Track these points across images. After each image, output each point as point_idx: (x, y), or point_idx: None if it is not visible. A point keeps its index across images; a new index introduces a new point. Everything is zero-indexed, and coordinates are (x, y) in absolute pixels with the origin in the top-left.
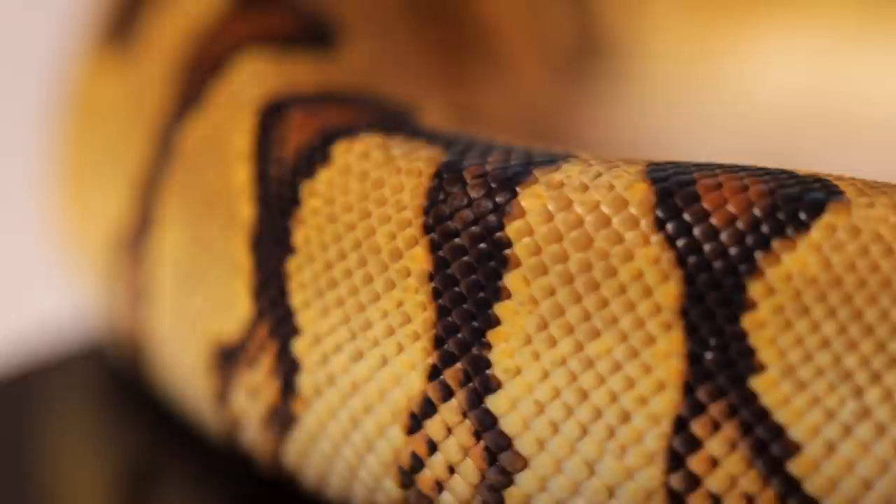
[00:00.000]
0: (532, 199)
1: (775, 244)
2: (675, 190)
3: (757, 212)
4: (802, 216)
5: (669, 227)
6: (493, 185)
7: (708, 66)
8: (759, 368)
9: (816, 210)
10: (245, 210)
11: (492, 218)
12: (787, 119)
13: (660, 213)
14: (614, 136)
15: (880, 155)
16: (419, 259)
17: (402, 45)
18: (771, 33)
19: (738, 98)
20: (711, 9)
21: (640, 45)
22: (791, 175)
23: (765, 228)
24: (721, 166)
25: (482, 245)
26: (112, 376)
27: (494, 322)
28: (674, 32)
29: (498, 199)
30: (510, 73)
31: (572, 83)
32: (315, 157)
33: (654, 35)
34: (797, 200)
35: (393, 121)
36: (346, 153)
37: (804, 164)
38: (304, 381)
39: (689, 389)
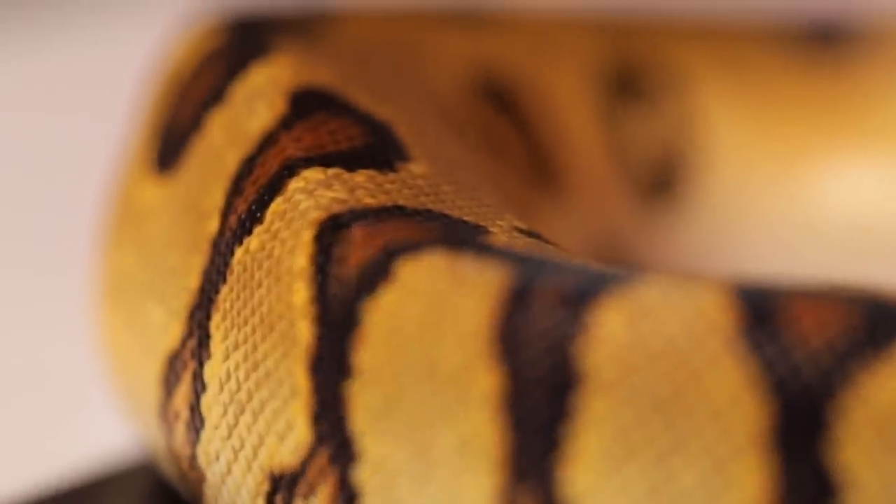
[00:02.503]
0: (607, 318)
1: (875, 366)
2: (764, 310)
3: (854, 333)
4: None
5: (758, 349)
6: (566, 304)
7: (780, 187)
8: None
9: None
10: (303, 330)
11: (564, 338)
12: (857, 242)
13: (748, 336)
14: (686, 257)
15: None
16: (487, 380)
17: (466, 167)
18: (841, 156)
19: (810, 219)
20: (785, 127)
21: (715, 164)
22: (881, 295)
23: (862, 351)
24: (808, 286)
25: (553, 365)
26: (167, 491)
27: (566, 443)
28: (744, 153)
29: (571, 319)
30: (581, 198)
31: (648, 205)
32: (377, 274)
33: (727, 155)
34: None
35: (458, 237)
36: (411, 271)
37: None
38: None
39: None
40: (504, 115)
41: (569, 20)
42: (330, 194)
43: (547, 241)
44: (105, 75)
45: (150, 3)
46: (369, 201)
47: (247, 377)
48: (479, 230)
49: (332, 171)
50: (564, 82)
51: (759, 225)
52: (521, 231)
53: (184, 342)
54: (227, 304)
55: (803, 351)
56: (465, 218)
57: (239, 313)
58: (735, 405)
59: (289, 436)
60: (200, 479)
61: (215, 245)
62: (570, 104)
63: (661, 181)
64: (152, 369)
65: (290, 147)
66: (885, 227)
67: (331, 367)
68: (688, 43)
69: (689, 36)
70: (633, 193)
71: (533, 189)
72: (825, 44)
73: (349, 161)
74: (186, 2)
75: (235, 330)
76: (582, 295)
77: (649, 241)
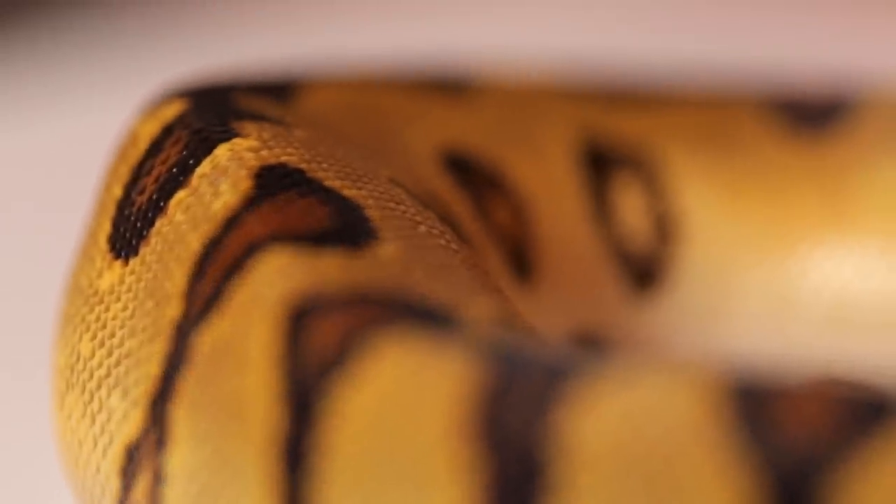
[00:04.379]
0: (583, 423)
1: (864, 458)
2: (750, 409)
3: (843, 426)
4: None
5: (745, 441)
6: (538, 405)
7: (761, 265)
8: None
9: None
10: (268, 421)
11: (534, 444)
12: (839, 318)
13: (736, 426)
14: (669, 339)
15: None
16: (452, 479)
17: (439, 249)
18: (821, 232)
19: (792, 296)
20: (764, 204)
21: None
22: (875, 388)
23: (851, 442)
24: (793, 380)
25: (523, 473)
26: None
27: None
28: (724, 231)
29: (542, 422)
30: (560, 281)
31: (629, 287)
32: (344, 362)
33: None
34: (886, 413)
35: (429, 324)
36: (378, 359)
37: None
38: None
39: None
40: (479, 194)
41: (544, 92)
42: (296, 278)
43: (523, 329)
44: (84, 151)
45: (134, 76)
46: (336, 285)
47: (209, 467)
48: (451, 318)
49: (298, 253)
50: (540, 161)
51: (740, 303)
52: (496, 318)
53: (144, 432)
54: (190, 392)
55: (790, 454)
56: (437, 304)
57: (202, 401)
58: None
59: None
60: None
61: (178, 330)
62: (546, 184)
63: (641, 262)
64: (111, 460)
65: (254, 228)
66: (867, 303)
67: (296, 457)
68: (664, 118)
69: (665, 111)
70: (613, 274)
71: (510, 272)
72: (805, 119)
73: (316, 242)
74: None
75: (198, 419)
76: (556, 394)
77: (631, 324)
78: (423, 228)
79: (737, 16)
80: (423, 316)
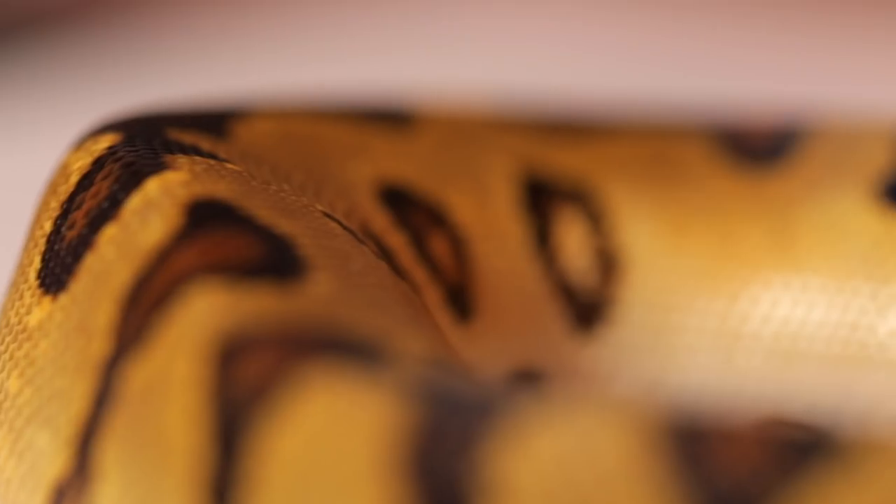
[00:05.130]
0: (512, 466)
1: (798, 498)
2: (687, 442)
3: (777, 466)
4: (827, 468)
5: (680, 484)
6: (464, 440)
7: (704, 298)
8: None
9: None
10: (195, 458)
11: (461, 485)
12: (784, 349)
13: (670, 469)
14: (612, 372)
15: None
16: None
17: (373, 284)
18: (765, 264)
19: (737, 328)
20: (708, 237)
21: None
22: (807, 427)
23: (785, 482)
24: (739, 417)
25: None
26: None
27: None
28: (667, 263)
29: (470, 464)
30: (500, 317)
31: (571, 321)
32: (270, 401)
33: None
34: (818, 452)
35: (358, 360)
36: (304, 398)
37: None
38: None
39: None
40: (418, 228)
41: (485, 126)
42: (225, 313)
43: (457, 365)
44: (24, 185)
45: (74, 110)
46: (266, 320)
47: None
48: (380, 354)
49: (227, 288)
50: (482, 196)
51: (684, 337)
52: (428, 354)
53: (72, 470)
54: (119, 430)
55: (725, 498)
56: (367, 339)
57: (131, 439)
58: None
59: None
60: None
61: (107, 367)
62: (487, 219)
63: (584, 297)
64: (39, 499)
65: (184, 263)
66: (808, 337)
67: (225, 493)
68: (608, 152)
69: (609, 144)
70: (555, 310)
71: (448, 307)
72: (750, 154)
73: (246, 277)
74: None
75: (126, 457)
76: (484, 432)
77: (574, 360)
78: (356, 263)
79: (683, 50)
80: (352, 352)
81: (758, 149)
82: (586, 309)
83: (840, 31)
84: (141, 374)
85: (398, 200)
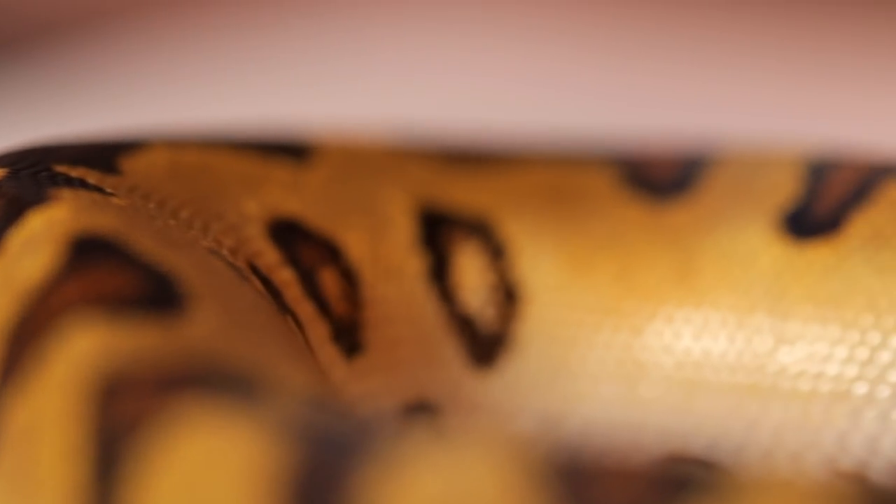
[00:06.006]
0: (385, 496)
1: None
2: (565, 477)
3: (651, 501)
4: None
5: None
6: (337, 479)
7: (604, 329)
8: None
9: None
10: (73, 498)
11: None
12: (686, 378)
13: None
14: (511, 404)
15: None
16: None
17: (258, 321)
18: (666, 295)
19: (638, 357)
20: (608, 266)
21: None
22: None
23: None
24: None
25: None
26: None
27: None
28: (567, 293)
29: (343, 494)
30: (392, 352)
31: (468, 354)
32: (146, 439)
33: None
34: (698, 489)
35: (234, 399)
36: (180, 436)
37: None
38: None
39: None
40: (310, 263)
41: (382, 160)
42: (103, 350)
43: (338, 402)
44: None
45: None
46: (144, 357)
47: None
48: (257, 392)
49: (107, 325)
50: (377, 230)
51: (585, 368)
52: (308, 392)
53: None
54: (2, 468)
55: None
56: (245, 378)
57: (11, 478)
58: None
59: None
60: None
61: None
62: (382, 253)
63: (482, 329)
64: None
65: (65, 298)
66: (709, 366)
67: None
68: (508, 184)
69: (509, 176)
70: (453, 342)
71: (339, 343)
72: (652, 185)
73: (126, 313)
74: None
75: (7, 496)
76: (358, 471)
77: (472, 393)
78: (237, 300)
79: (592, 82)
80: (229, 388)
81: (661, 180)
82: (486, 343)
83: (746, 62)
84: (22, 411)
85: (290, 235)
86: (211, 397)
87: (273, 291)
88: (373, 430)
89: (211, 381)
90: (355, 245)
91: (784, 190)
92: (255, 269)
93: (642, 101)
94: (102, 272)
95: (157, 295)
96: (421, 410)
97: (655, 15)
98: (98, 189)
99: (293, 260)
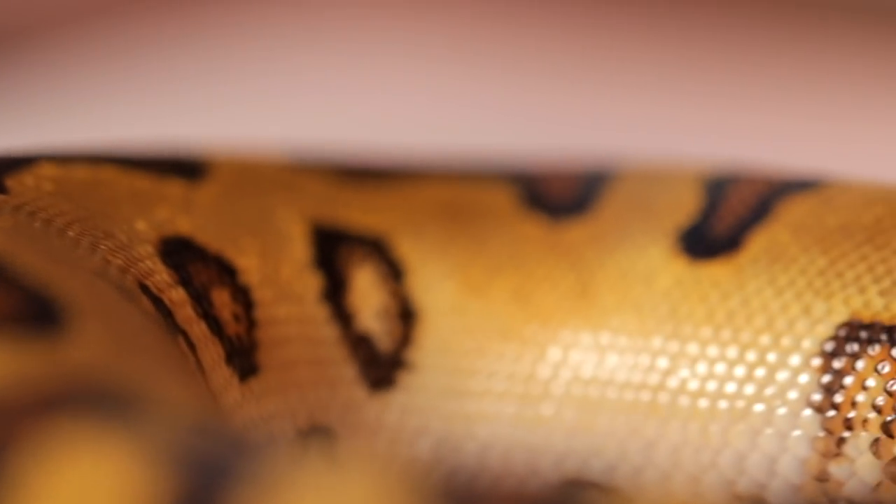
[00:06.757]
0: None
1: None
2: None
3: None
4: None
5: None
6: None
7: (500, 349)
8: None
9: None
10: None
11: None
12: (582, 397)
13: None
14: (406, 428)
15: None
16: None
17: (144, 345)
18: (561, 314)
19: (534, 377)
20: (503, 286)
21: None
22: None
23: None
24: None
25: None
26: None
27: None
28: (463, 315)
29: None
30: (286, 376)
31: (363, 378)
32: (17, 464)
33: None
34: None
35: (112, 421)
36: (53, 461)
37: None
38: None
39: None
40: (202, 283)
41: (277, 178)
42: None
43: (221, 425)
44: None
45: None
46: (19, 379)
47: None
48: (136, 414)
49: None
50: (272, 249)
51: (483, 386)
52: (189, 413)
53: None
54: None
55: None
56: (123, 400)
57: None
58: None
59: None
60: None
61: None
62: (277, 272)
63: (379, 349)
64: None
65: None
66: (616, 385)
67: None
68: (405, 202)
69: (406, 194)
70: (349, 363)
71: (229, 364)
72: (549, 203)
73: (7, 334)
74: None
75: None
76: (235, 496)
77: (367, 415)
78: (121, 321)
79: (485, 101)
80: (107, 413)
81: (560, 199)
82: (383, 365)
83: (645, 79)
84: None
85: (183, 254)
86: (89, 419)
87: (164, 311)
88: (254, 454)
89: (89, 402)
90: (249, 264)
91: (684, 208)
92: (145, 289)
93: (541, 120)
94: None
95: (37, 315)
96: (317, 433)
97: (552, 34)
98: None
99: (185, 279)
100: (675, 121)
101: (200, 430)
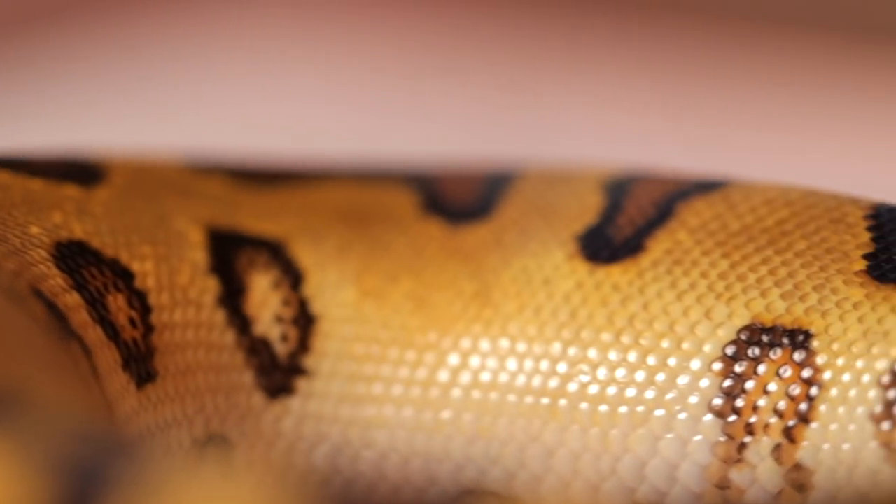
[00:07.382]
0: None
1: None
2: None
3: None
4: None
5: None
6: None
7: (398, 354)
8: None
9: None
10: None
11: None
12: (480, 401)
13: None
14: (310, 434)
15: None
16: None
17: (34, 355)
18: (460, 320)
19: (432, 381)
20: (402, 290)
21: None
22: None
23: None
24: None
25: None
26: None
27: None
28: (360, 322)
29: None
30: (180, 382)
31: (262, 387)
32: None
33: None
34: None
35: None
36: None
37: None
38: None
39: None
40: (99, 287)
41: (175, 179)
42: None
43: (108, 433)
44: None
45: None
46: None
47: None
48: (14, 421)
49: None
50: (168, 254)
51: (387, 401)
52: (74, 421)
53: None
54: None
55: None
56: (9, 405)
57: None
58: None
59: None
60: None
61: None
62: (173, 277)
63: (276, 355)
64: None
65: None
66: (513, 388)
67: None
68: (304, 205)
69: (305, 197)
70: (245, 368)
71: (125, 370)
72: (453, 210)
73: None
74: None
75: None
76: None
77: (265, 422)
78: (6, 327)
79: (387, 106)
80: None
81: (461, 204)
82: (282, 372)
83: (552, 83)
84: None
85: (78, 259)
86: None
87: (58, 316)
88: (138, 461)
89: None
90: (145, 269)
91: (585, 212)
92: (39, 294)
93: (443, 124)
94: None
95: None
96: (214, 441)
97: (456, 40)
98: None
99: (80, 284)
100: (584, 125)
101: (82, 436)
